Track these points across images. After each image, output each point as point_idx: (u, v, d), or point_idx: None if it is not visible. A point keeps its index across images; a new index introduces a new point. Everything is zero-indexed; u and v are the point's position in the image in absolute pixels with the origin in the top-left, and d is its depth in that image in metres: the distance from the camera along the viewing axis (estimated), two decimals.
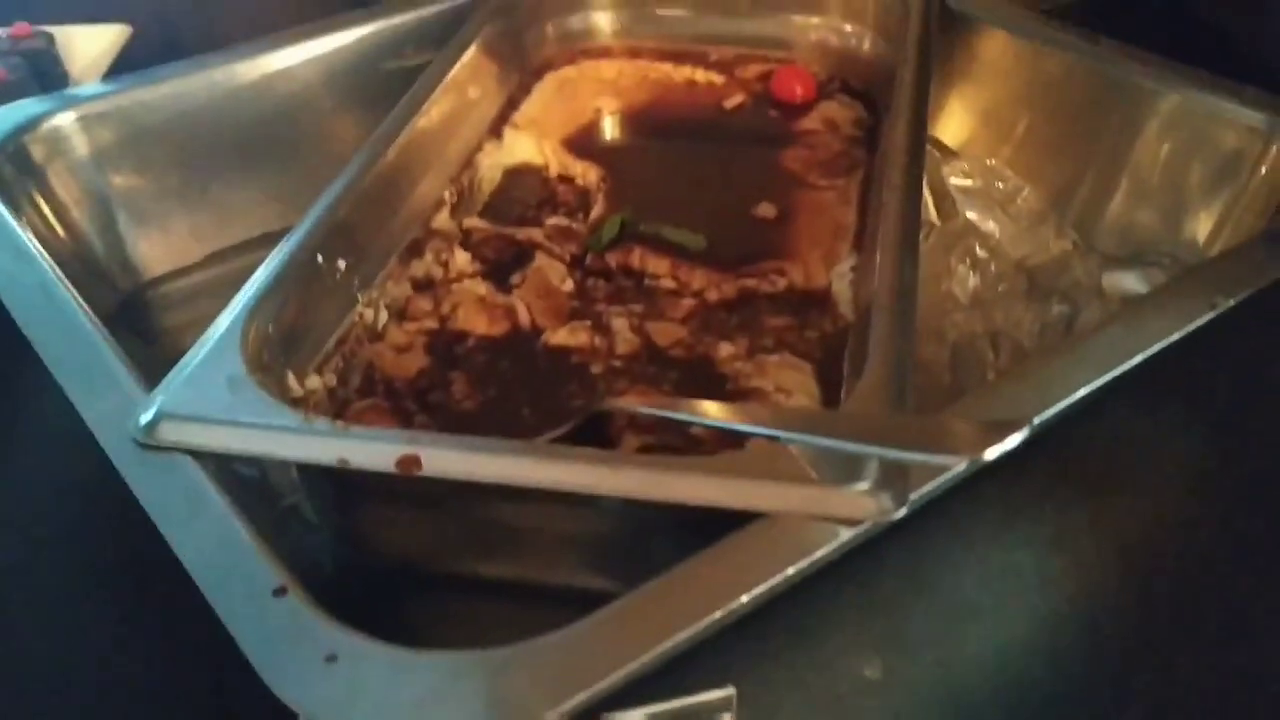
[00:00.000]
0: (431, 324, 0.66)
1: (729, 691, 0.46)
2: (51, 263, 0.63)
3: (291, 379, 0.57)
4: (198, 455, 0.50)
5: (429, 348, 0.64)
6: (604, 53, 0.92)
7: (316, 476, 0.55)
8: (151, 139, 0.78)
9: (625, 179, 0.78)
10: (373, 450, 0.49)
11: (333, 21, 0.86)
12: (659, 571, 0.44)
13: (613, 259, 0.70)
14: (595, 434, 0.56)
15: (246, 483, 0.52)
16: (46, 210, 0.73)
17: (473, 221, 0.74)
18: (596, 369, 0.62)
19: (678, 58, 0.91)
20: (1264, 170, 0.72)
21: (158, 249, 0.78)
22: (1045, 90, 0.86)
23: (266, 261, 0.59)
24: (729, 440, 0.54)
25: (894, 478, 0.46)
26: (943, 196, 0.76)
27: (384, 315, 0.65)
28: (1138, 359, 0.55)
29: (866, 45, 0.89)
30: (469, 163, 0.78)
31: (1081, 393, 0.53)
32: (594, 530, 0.55)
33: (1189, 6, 1.03)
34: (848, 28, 0.90)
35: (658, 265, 0.69)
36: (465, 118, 0.79)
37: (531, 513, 0.53)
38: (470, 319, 0.66)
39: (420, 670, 0.41)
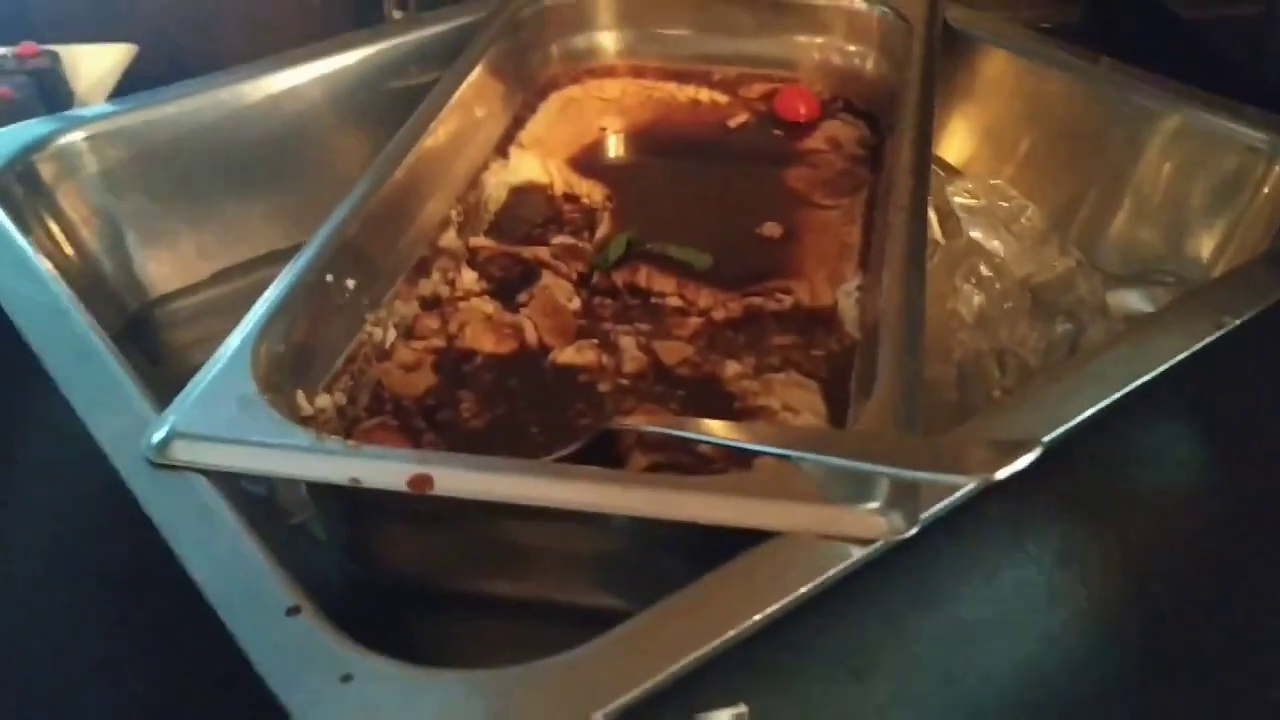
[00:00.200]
0: (439, 342, 0.66)
1: (740, 709, 0.46)
2: (61, 281, 0.63)
3: (301, 398, 0.57)
4: (210, 474, 0.50)
5: (437, 366, 0.64)
6: (608, 72, 0.93)
7: (327, 495, 0.55)
8: (159, 158, 0.78)
9: (630, 198, 0.78)
10: (384, 469, 0.49)
11: (339, 41, 0.86)
12: (670, 591, 0.44)
13: (619, 278, 0.70)
14: (603, 453, 0.56)
15: (255, 501, 0.52)
16: (55, 229, 0.73)
17: (479, 240, 0.74)
18: (604, 387, 0.62)
19: (682, 77, 0.92)
20: (1266, 190, 0.73)
21: (165, 267, 0.78)
22: (1047, 109, 0.86)
23: (276, 281, 0.59)
24: (737, 459, 0.54)
25: (904, 497, 0.46)
26: (947, 215, 0.76)
27: (392, 334, 0.65)
28: (1145, 378, 0.55)
29: (869, 65, 0.89)
30: (475, 182, 0.78)
31: (1090, 411, 0.53)
32: (603, 549, 0.55)
33: (1187, 26, 1.04)
34: (851, 47, 0.90)
35: (664, 284, 0.69)
36: (471, 137, 0.79)
37: (541, 531, 0.53)
38: (478, 337, 0.66)
39: (436, 689, 0.41)
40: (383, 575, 0.58)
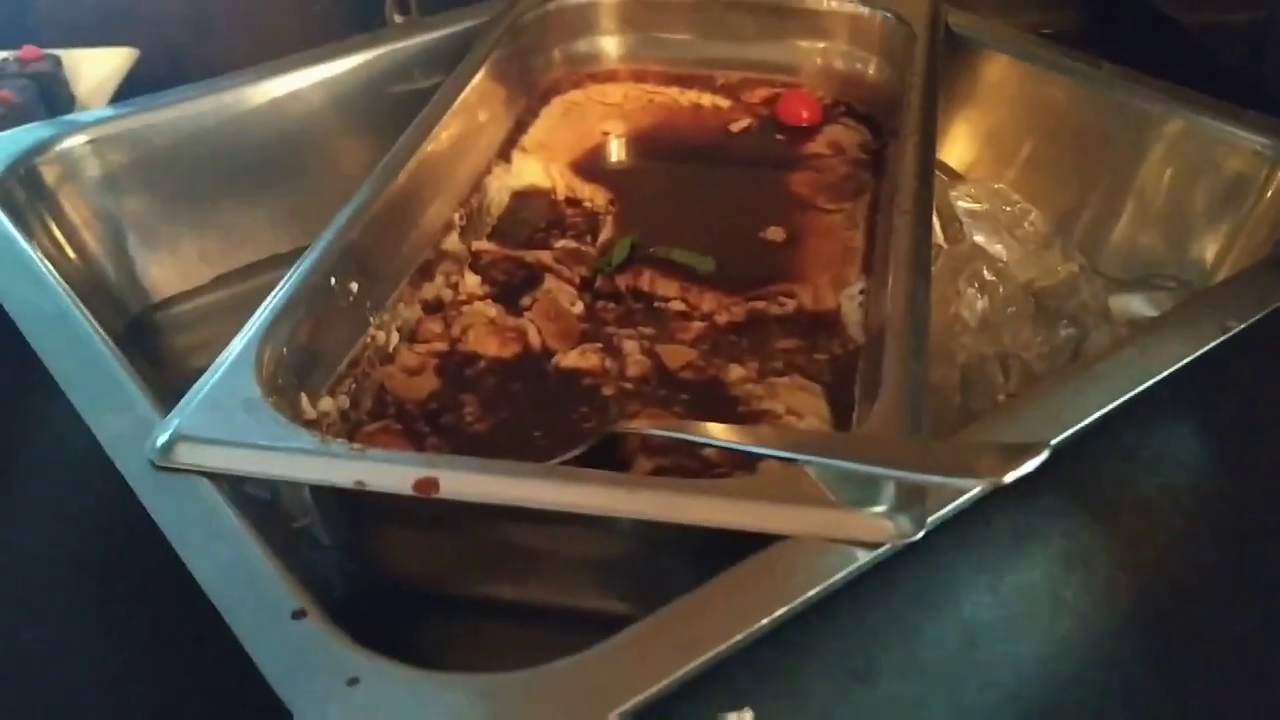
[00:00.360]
0: (442, 346, 0.66)
1: (746, 714, 0.46)
2: (63, 285, 0.63)
3: (305, 401, 0.57)
4: (214, 477, 0.50)
5: (440, 370, 0.64)
6: (610, 76, 0.93)
7: (330, 498, 0.55)
8: (161, 162, 0.78)
9: (633, 202, 0.78)
10: (390, 472, 0.49)
11: (341, 46, 0.86)
12: (675, 595, 0.44)
13: (622, 281, 0.70)
14: (607, 457, 0.56)
15: (257, 505, 0.52)
16: (57, 232, 0.73)
17: (481, 244, 0.74)
18: (607, 391, 0.62)
19: (683, 81, 0.92)
20: (1270, 194, 0.72)
21: (166, 271, 0.78)
22: (1049, 114, 0.86)
23: (280, 284, 0.59)
24: (742, 463, 0.54)
25: (911, 500, 0.46)
26: (950, 220, 0.76)
27: (395, 337, 0.65)
28: (1150, 382, 0.55)
29: (871, 70, 0.89)
30: (478, 186, 0.78)
31: (1095, 416, 0.53)
32: (609, 553, 0.55)
33: (1186, 32, 1.04)
34: (853, 52, 0.90)
35: (667, 288, 0.70)
36: (474, 141, 0.79)
37: (546, 535, 0.53)
38: (481, 341, 0.66)
39: (443, 693, 0.41)
40: (385, 579, 0.58)
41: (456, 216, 0.74)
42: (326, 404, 0.59)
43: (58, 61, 0.92)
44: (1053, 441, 0.51)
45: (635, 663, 0.42)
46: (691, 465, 0.56)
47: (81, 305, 0.61)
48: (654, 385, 0.63)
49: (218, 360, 0.55)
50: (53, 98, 0.89)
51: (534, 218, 0.79)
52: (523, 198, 0.80)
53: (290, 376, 0.57)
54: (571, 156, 0.83)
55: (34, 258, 0.65)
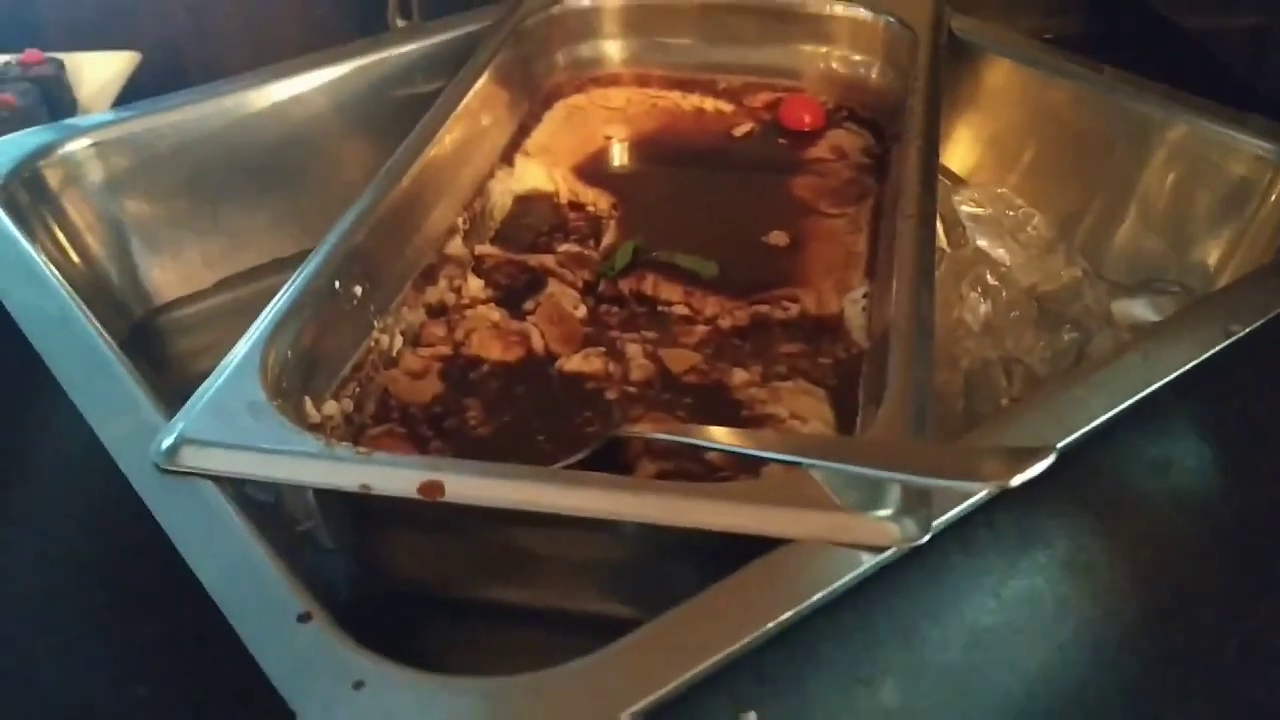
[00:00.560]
0: (446, 350, 0.66)
1: (750, 717, 0.46)
2: (67, 287, 0.63)
3: (309, 405, 0.57)
4: (218, 480, 0.50)
5: (443, 374, 0.64)
6: (613, 80, 0.93)
7: (334, 502, 0.55)
8: (164, 165, 0.78)
9: (636, 206, 0.78)
10: (395, 476, 0.49)
11: (344, 50, 0.86)
12: (679, 599, 0.44)
13: (626, 285, 0.70)
14: (611, 461, 0.56)
15: (261, 508, 0.52)
16: (60, 236, 0.73)
17: (485, 248, 0.74)
18: (611, 395, 0.62)
19: (686, 86, 0.92)
20: (1273, 198, 0.72)
21: (169, 275, 0.78)
22: (1051, 118, 0.86)
23: (285, 287, 0.59)
24: (746, 467, 0.54)
25: (916, 504, 0.46)
26: (953, 224, 0.76)
27: (399, 341, 0.65)
28: (1154, 386, 0.55)
29: (874, 74, 0.89)
30: (481, 190, 0.78)
31: (1099, 420, 0.53)
32: (612, 557, 0.55)
33: (1188, 36, 1.04)
34: (856, 57, 0.90)
35: (671, 292, 0.70)
36: (477, 145, 0.79)
37: (550, 539, 0.53)
38: (484, 345, 0.66)
39: (448, 696, 0.40)
40: (390, 582, 0.58)
41: (460, 220, 0.74)
42: (330, 408, 0.59)
43: (60, 65, 0.92)
44: (1058, 445, 0.51)
45: (641, 667, 0.42)
46: (695, 469, 0.56)
47: (85, 308, 0.61)
48: (657, 389, 0.63)
49: (222, 363, 0.55)
50: (55, 101, 0.89)
51: (537, 222, 0.79)
52: (526, 202, 0.80)
53: (294, 380, 0.57)
54: (574, 160, 0.83)
55: (37, 261, 0.65)
